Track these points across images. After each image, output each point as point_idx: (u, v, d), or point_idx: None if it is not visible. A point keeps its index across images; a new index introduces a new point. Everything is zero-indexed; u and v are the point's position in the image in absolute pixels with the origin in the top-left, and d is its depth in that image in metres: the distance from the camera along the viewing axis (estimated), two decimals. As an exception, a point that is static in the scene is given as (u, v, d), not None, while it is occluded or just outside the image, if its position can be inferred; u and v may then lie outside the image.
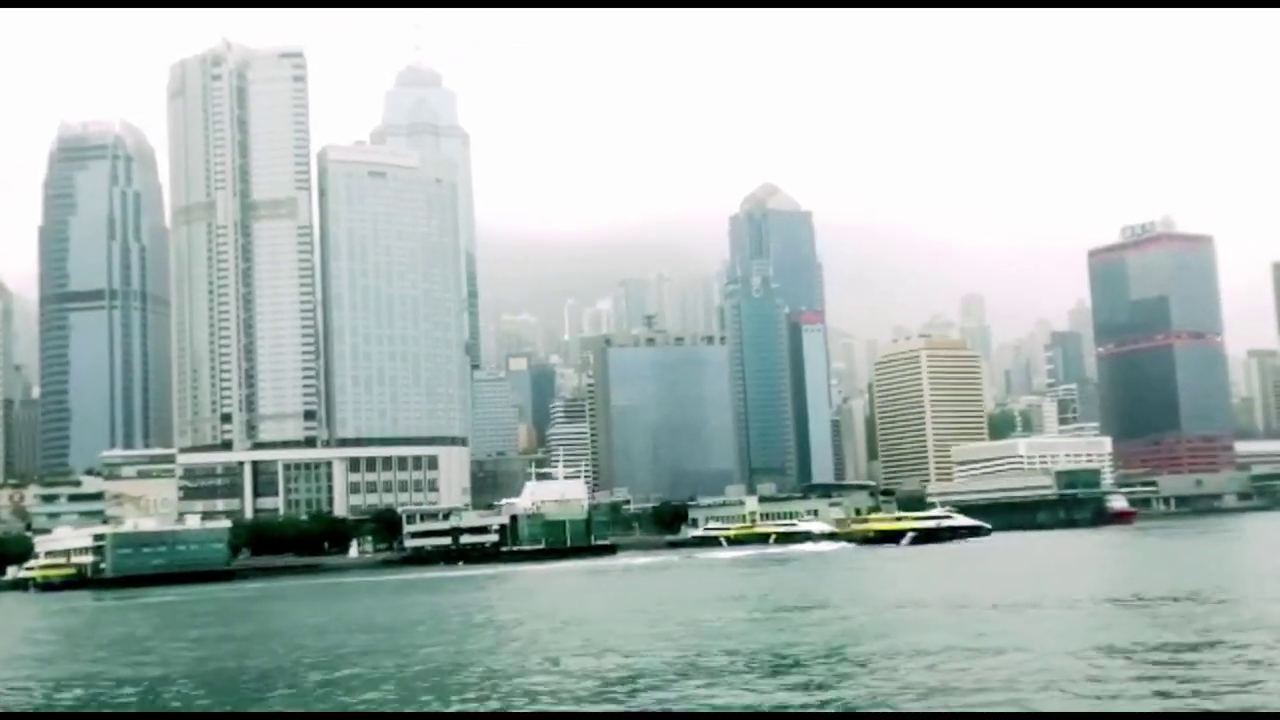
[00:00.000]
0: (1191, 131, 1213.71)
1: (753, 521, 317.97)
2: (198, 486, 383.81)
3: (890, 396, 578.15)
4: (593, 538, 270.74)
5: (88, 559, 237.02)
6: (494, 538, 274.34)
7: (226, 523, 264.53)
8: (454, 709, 42.10)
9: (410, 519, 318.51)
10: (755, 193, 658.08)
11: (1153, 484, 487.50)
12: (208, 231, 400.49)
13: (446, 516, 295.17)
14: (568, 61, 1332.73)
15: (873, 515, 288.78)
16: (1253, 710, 39.09)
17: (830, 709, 40.89)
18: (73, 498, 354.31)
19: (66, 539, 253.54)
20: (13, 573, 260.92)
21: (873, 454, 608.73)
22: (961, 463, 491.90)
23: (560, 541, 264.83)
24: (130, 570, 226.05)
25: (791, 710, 38.54)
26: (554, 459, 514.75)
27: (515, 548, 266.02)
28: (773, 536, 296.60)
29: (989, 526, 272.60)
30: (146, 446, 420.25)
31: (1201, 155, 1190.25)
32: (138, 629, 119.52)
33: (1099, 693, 43.74)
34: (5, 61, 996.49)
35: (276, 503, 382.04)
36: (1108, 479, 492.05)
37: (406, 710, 38.80)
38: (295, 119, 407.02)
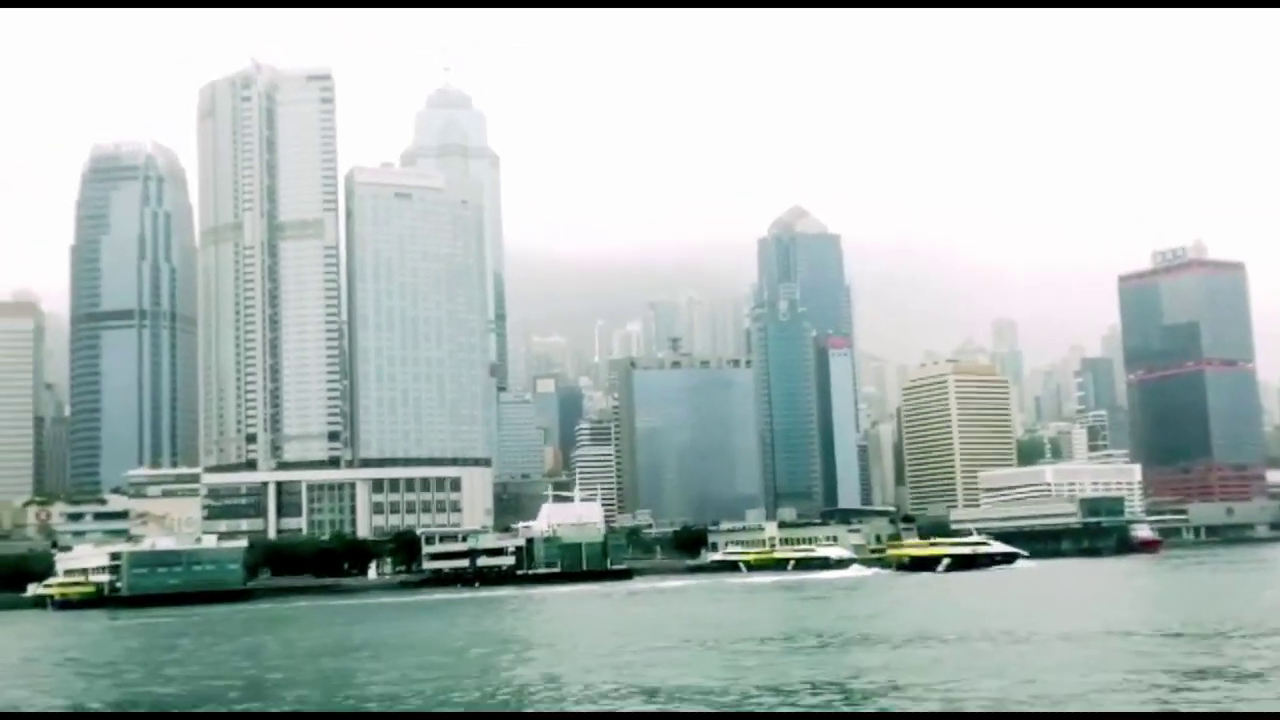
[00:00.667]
0: (1224, 156, 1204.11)
1: (772, 546, 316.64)
2: (222, 506, 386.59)
3: (918, 421, 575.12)
4: (609, 561, 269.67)
5: (105, 578, 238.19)
6: (510, 560, 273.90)
7: (243, 543, 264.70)
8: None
9: (430, 540, 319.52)
10: (783, 216, 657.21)
11: (1183, 513, 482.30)
12: (235, 252, 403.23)
13: (464, 539, 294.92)
14: (598, 83, 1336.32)
15: (907, 542, 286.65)
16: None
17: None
18: (98, 516, 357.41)
19: (85, 557, 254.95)
20: (34, 589, 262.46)
21: (900, 479, 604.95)
22: (988, 489, 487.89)
23: (576, 565, 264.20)
24: (146, 589, 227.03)
25: (792, 710, 38.08)
26: (576, 481, 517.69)
27: (531, 571, 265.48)
28: (791, 563, 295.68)
29: (1025, 554, 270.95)
30: (174, 466, 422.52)
31: (1234, 181, 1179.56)
32: (132, 649, 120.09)
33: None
34: (39, 81, 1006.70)
35: (300, 523, 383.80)
36: (1137, 507, 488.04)
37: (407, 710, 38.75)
38: (323, 140, 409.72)
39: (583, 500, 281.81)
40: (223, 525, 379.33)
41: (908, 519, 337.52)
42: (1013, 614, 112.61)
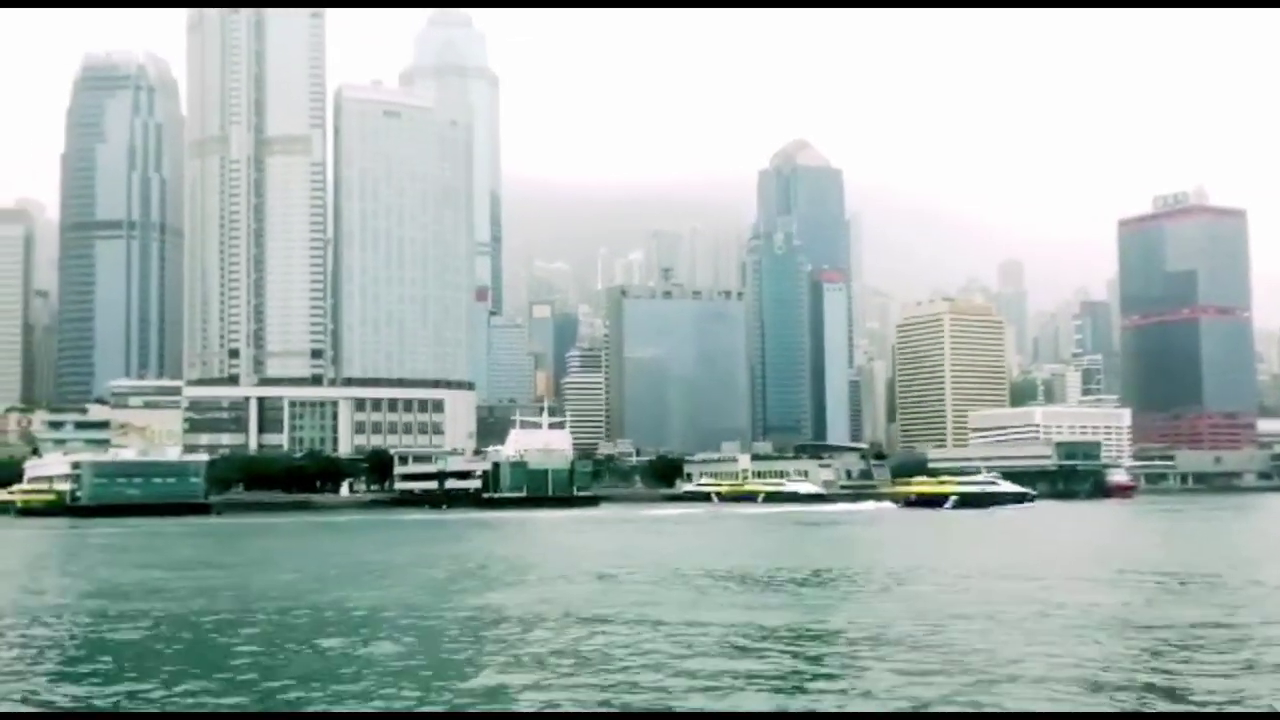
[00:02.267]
0: (1232, 103, 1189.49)
1: (745, 479, 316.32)
2: (203, 419, 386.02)
3: (911, 359, 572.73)
4: (575, 488, 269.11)
5: (67, 486, 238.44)
6: (477, 484, 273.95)
7: (204, 456, 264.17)
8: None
9: (404, 461, 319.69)
10: (785, 148, 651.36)
11: (1170, 459, 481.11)
12: (221, 165, 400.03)
13: (434, 460, 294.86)
14: (602, 11, 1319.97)
15: (915, 479, 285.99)
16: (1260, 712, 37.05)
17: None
18: (79, 425, 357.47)
19: (51, 465, 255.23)
20: (1, 496, 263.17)
21: (892, 416, 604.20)
22: (977, 429, 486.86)
23: (541, 490, 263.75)
24: (105, 499, 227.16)
25: (793, 710, 36.81)
26: (563, 408, 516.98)
27: (496, 494, 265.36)
28: (761, 495, 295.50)
29: (1034, 493, 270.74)
30: (161, 378, 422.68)
31: (1239, 128, 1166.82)
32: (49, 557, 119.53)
33: None
34: None
35: (281, 439, 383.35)
36: (1125, 452, 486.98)
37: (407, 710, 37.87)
38: (311, 56, 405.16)
39: (551, 426, 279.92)
40: (204, 438, 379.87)
41: (879, 456, 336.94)
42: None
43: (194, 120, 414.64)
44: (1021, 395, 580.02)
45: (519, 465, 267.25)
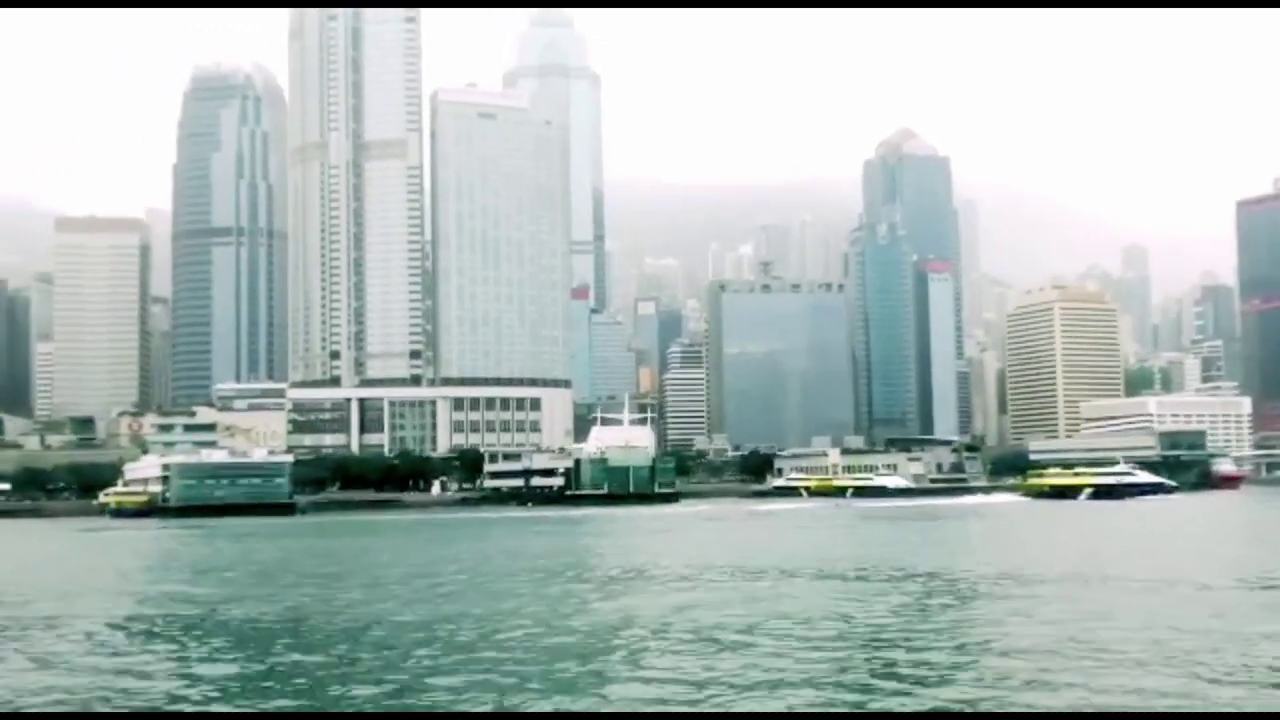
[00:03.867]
0: None
1: (834, 474, 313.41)
2: (306, 420, 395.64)
3: (1022, 349, 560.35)
4: (656, 484, 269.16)
5: (158, 488, 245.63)
6: (560, 481, 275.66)
7: (289, 457, 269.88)
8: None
9: (493, 459, 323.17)
10: (890, 138, 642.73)
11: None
12: (321, 171, 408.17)
13: (514, 458, 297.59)
14: (703, 11, 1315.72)
15: (1048, 470, 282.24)
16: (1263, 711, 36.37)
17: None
18: (187, 428, 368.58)
19: (146, 468, 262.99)
20: (102, 498, 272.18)
21: (1004, 408, 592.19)
22: (1090, 419, 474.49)
23: (623, 487, 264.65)
24: (193, 500, 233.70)
25: (801, 710, 36.98)
26: (666, 403, 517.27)
27: (578, 491, 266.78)
28: (849, 490, 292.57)
29: (1173, 483, 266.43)
30: (270, 380, 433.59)
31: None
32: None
33: None
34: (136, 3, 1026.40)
35: (382, 439, 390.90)
36: (1245, 440, 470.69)
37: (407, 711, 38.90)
38: (407, 60, 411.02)
39: (633, 423, 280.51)
40: (307, 439, 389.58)
41: (971, 448, 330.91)
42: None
43: (295, 127, 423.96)
44: (1138, 384, 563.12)
45: (599, 462, 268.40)
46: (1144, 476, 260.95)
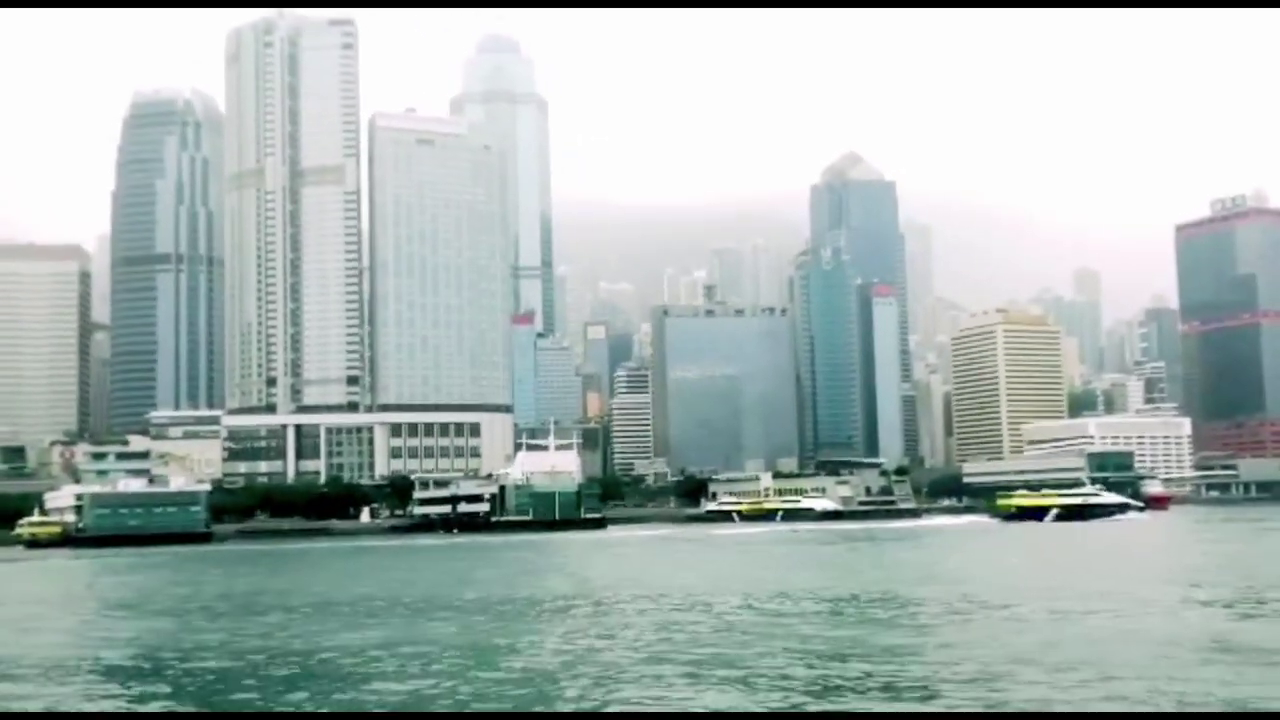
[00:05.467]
0: None
1: (765, 497, 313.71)
2: (242, 448, 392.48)
3: (966, 372, 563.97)
4: (582, 510, 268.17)
5: (72, 518, 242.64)
6: (486, 507, 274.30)
7: (206, 486, 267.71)
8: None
9: (424, 485, 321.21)
10: (836, 163, 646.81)
11: (1232, 468, 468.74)
12: (257, 197, 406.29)
13: (444, 485, 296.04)
14: (648, 34, 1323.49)
15: (1016, 491, 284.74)
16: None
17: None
18: (120, 456, 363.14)
19: (63, 498, 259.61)
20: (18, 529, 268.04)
21: (950, 430, 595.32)
22: (1032, 441, 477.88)
23: (548, 513, 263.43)
24: (106, 530, 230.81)
25: (794, 710, 36.72)
26: (612, 427, 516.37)
27: (503, 518, 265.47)
28: (779, 513, 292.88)
29: (1140, 504, 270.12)
30: (210, 408, 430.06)
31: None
32: None
33: None
34: (73, 30, 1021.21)
35: (319, 466, 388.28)
36: (1185, 462, 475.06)
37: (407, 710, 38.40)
38: (344, 86, 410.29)
39: (558, 448, 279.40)
40: (242, 467, 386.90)
41: (900, 471, 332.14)
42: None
43: (231, 153, 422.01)
44: (1081, 406, 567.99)
45: (524, 488, 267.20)
46: (1110, 497, 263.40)
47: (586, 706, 40.88)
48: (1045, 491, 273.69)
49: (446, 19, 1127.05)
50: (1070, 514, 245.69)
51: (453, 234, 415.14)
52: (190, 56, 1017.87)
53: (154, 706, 43.94)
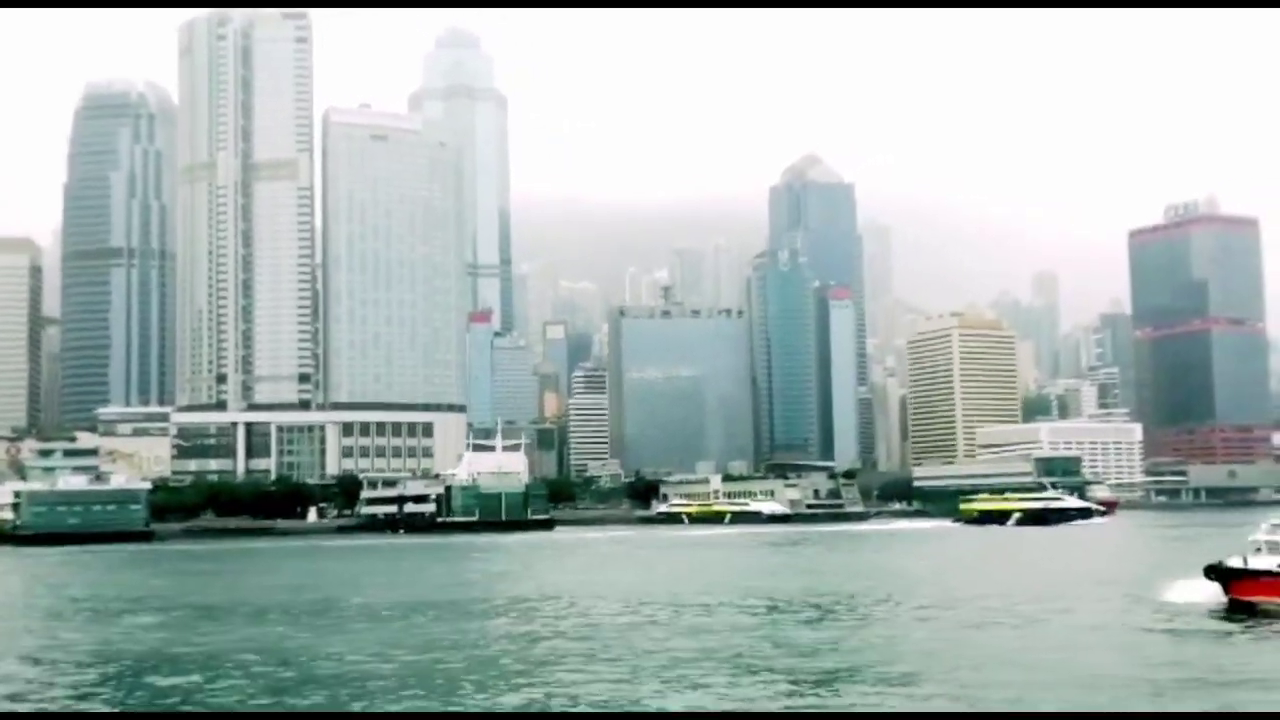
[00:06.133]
0: (1243, 111, 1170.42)
1: (715, 499, 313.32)
2: (191, 446, 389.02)
3: (922, 376, 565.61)
4: (530, 511, 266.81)
5: (8, 515, 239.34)
6: (432, 507, 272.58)
7: (147, 484, 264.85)
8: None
9: (372, 485, 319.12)
10: (796, 164, 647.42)
11: (1182, 474, 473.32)
12: (209, 191, 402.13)
13: (392, 484, 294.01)
14: (612, 30, 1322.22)
15: (977, 495, 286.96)
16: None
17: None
18: (68, 453, 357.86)
19: (1, 495, 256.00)
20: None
21: (906, 434, 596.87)
22: (985, 445, 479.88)
23: (495, 514, 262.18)
24: (43, 528, 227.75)
25: (793, 710, 36.53)
26: (569, 427, 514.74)
27: (449, 519, 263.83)
28: (728, 516, 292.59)
29: (1103, 509, 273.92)
30: (161, 404, 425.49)
31: (1251, 135, 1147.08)
32: None
33: None
34: (24, 20, 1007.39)
35: (269, 464, 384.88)
36: (1136, 467, 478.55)
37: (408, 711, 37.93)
38: (298, 80, 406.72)
39: (506, 449, 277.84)
40: (192, 464, 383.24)
41: (849, 474, 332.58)
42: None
43: (184, 147, 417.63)
44: (1035, 411, 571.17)
45: (470, 489, 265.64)
46: (1072, 502, 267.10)
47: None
48: (1008, 495, 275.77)
49: (407, 15, 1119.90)
50: (1032, 518, 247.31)
51: (407, 230, 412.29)
52: (144, 48, 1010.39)
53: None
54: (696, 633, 64.51)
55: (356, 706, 46.12)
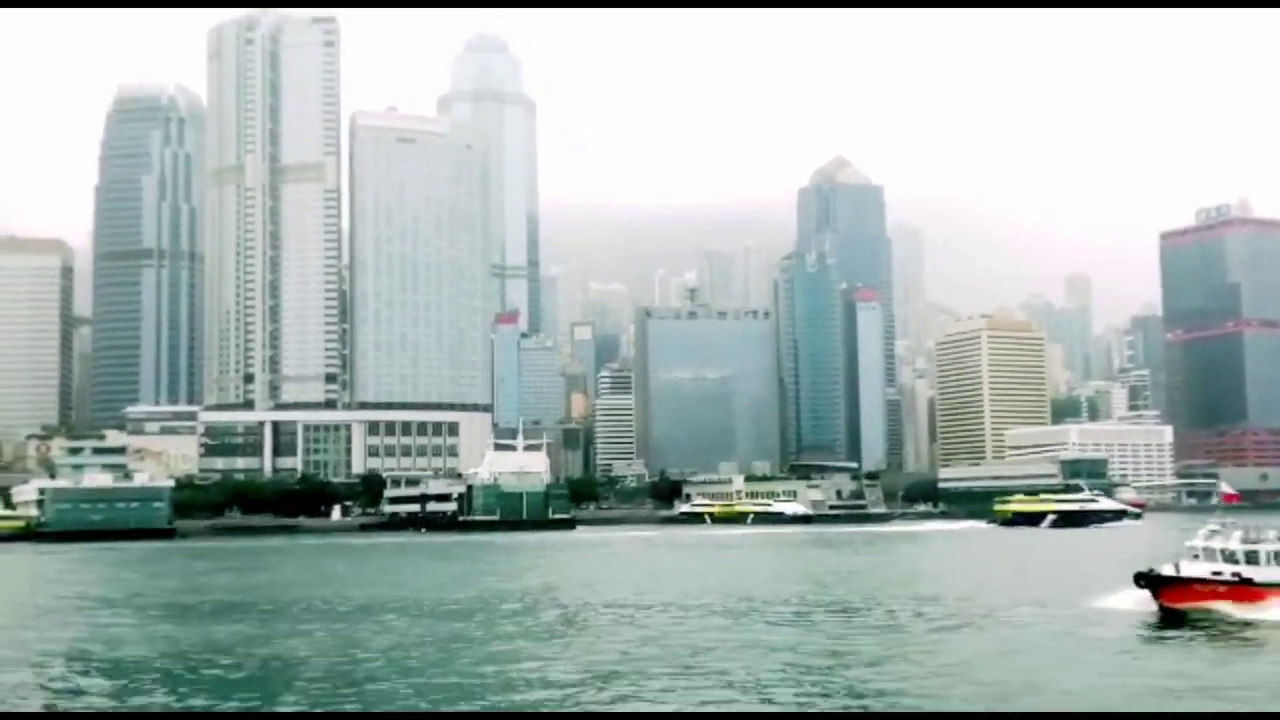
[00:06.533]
0: (1276, 113, 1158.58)
1: (738, 500, 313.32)
2: (218, 444, 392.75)
3: (950, 378, 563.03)
4: (551, 511, 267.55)
5: (34, 512, 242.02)
6: (454, 506, 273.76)
7: (170, 482, 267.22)
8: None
9: (395, 483, 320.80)
10: (825, 166, 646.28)
11: (1213, 476, 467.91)
12: (237, 193, 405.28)
13: (415, 484, 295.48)
14: (639, 34, 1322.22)
15: (1013, 496, 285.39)
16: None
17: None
18: (96, 450, 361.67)
19: (29, 492, 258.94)
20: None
21: (934, 436, 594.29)
22: (1014, 447, 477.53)
23: (515, 513, 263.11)
24: (69, 525, 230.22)
25: (793, 711, 37.36)
26: (596, 428, 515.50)
27: (470, 518, 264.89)
28: (750, 516, 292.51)
29: (1138, 510, 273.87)
30: (190, 404, 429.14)
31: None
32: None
33: None
34: (56, 24, 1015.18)
35: (296, 463, 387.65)
36: (1166, 470, 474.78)
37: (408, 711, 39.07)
38: (325, 84, 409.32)
39: (527, 449, 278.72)
40: (219, 463, 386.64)
41: (871, 476, 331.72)
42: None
43: (212, 149, 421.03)
44: (1065, 413, 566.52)
45: (492, 488, 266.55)
46: (1107, 503, 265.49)
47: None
48: (1043, 497, 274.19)
49: (436, 18, 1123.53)
50: (1067, 520, 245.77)
51: (433, 233, 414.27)
52: (174, 52, 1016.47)
53: None
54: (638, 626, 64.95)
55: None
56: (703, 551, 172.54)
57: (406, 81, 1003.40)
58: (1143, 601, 68.87)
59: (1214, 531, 69.55)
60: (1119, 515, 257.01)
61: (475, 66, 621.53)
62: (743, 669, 51.99)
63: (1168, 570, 68.37)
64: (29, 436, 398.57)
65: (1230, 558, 67.29)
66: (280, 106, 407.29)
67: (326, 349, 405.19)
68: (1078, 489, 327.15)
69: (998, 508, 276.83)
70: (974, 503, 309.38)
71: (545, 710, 39.75)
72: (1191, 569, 67.68)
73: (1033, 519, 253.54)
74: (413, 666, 54.34)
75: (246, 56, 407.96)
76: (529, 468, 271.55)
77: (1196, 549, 68.52)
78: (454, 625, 72.29)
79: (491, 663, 55.96)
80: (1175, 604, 67.07)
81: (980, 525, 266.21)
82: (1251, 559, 66.85)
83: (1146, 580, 68.55)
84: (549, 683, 49.32)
